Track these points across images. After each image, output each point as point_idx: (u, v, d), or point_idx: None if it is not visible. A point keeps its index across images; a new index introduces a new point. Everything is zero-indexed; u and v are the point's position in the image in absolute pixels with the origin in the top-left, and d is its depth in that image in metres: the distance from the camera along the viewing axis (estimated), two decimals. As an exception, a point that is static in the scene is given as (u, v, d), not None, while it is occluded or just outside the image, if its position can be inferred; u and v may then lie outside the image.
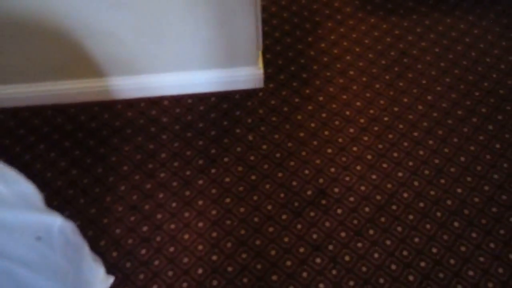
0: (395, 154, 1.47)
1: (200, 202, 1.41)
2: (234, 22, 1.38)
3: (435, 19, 1.78)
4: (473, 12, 1.79)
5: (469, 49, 1.70)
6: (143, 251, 1.32)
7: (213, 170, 1.47)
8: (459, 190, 1.40)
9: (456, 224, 1.33)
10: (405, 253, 1.29)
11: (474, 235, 1.32)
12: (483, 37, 1.72)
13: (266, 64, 1.69)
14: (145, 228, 1.37)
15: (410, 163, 1.45)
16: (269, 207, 1.39)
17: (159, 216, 1.39)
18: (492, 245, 1.30)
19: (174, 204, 1.41)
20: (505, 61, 1.65)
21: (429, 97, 1.59)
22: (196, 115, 1.59)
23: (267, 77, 1.66)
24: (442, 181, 1.42)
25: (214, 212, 1.39)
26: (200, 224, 1.37)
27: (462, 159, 1.46)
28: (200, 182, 1.44)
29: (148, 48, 1.46)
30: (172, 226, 1.37)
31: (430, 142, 1.49)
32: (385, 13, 1.82)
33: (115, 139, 1.55)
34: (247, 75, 1.57)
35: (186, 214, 1.39)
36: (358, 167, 1.45)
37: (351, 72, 1.66)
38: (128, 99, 1.63)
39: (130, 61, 1.51)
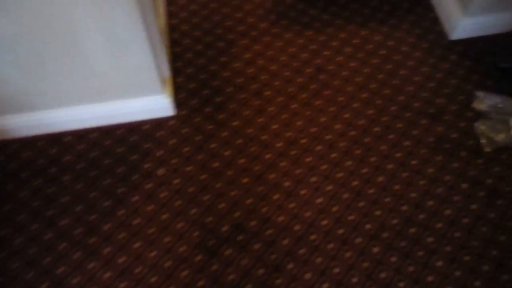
0: (313, 179, 1.42)
1: (107, 249, 1.29)
2: (127, 54, 1.27)
3: (351, 32, 1.75)
4: (387, 23, 1.78)
5: (384, 62, 1.68)
6: (42, 313, 1.19)
7: (120, 212, 1.35)
8: (377, 213, 1.37)
9: (375, 249, 1.30)
10: (325, 286, 1.24)
11: (393, 259, 1.29)
12: (398, 48, 1.71)
13: (178, 89, 1.59)
14: (44, 286, 1.23)
15: (329, 188, 1.41)
16: (182, 249, 1.30)
17: (60, 270, 1.26)
18: (411, 268, 1.28)
19: (77, 255, 1.28)
20: (419, 73, 1.64)
21: (346, 115, 1.55)
22: (101, 151, 1.46)
23: (179, 103, 1.56)
24: (361, 204, 1.38)
25: (122, 259, 1.28)
26: (107, 275, 1.25)
27: (380, 179, 1.43)
28: (107, 226, 1.33)
29: (37, 85, 1.31)
30: (75, 280, 1.24)
31: (348, 163, 1.46)
32: (301, 27, 1.76)
33: (9, 184, 1.40)
34: (153, 104, 1.46)
35: (91, 265, 1.27)
36: (276, 196, 1.39)
37: (267, 93, 1.60)
38: (24, 138, 1.48)
39: (20, 99, 1.36)
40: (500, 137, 1.48)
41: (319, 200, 1.38)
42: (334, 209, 1.37)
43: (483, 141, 1.49)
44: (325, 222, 1.35)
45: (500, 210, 1.38)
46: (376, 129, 1.53)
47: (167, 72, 1.45)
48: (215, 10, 1.80)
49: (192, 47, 1.70)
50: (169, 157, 1.45)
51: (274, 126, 1.52)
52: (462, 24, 1.67)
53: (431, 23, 1.78)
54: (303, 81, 1.63)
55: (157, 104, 1.46)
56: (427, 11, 1.81)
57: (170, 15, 1.77)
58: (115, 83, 1.35)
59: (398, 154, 1.47)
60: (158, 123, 1.52)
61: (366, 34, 1.74)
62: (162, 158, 1.45)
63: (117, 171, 1.42)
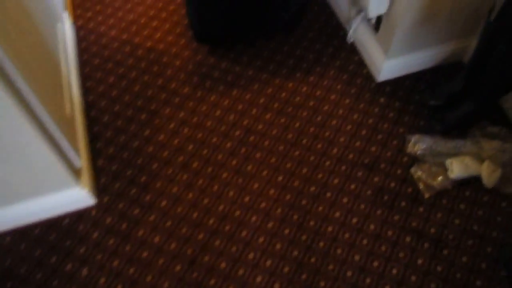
0: (251, 256, 1.33)
1: None
2: (25, 157, 1.15)
3: (277, 85, 1.70)
4: (313, 72, 1.74)
5: (314, 113, 1.63)
6: None
7: (41, 327, 1.22)
8: (322, 284, 1.28)
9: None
10: None
11: (343, 335, 1.20)
12: (326, 98, 1.67)
13: (99, 172, 1.48)
14: None
15: (268, 263, 1.31)
16: None
17: None
18: None
19: None
20: (350, 122, 1.60)
21: (279, 178, 1.48)
22: (16, 257, 1.33)
23: (101, 188, 1.45)
24: (304, 276, 1.29)
25: None
26: None
27: (321, 244, 1.35)
28: None
29: None
30: None
31: (286, 231, 1.37)
32: (225, 87, 1.70)
33: None
34: (69, 198, 1.35)
35: None
36: (212, 281, 1.29)
37: (195, 164, 1.51)
38: None
39: None
40: (438, 181, 1.44)
41: (258, 279, 1.29)
42: (276, 287, 1.28)
43: (421, 187, 1.45)
44: (267, 303, 1.25)
45: (447, 261, 1.32)
46: (312, 188, 1.46)
47: (78, 162, 1.34)
48: (135, 79, 1.72)
49: (112, 124, 1.60)
50: (92, 253, 1.33)
51: (205, 201, 1.43)
52: (386, 66, 1.64)
53: (357, 66, 1.75)
54: (232, 146, 1.55)
55: (73, 197, 1.35)
56: (352, 55, 1.78)
57: (87, 91, 1.68)
58: (23, 185, 1.23)
59: (337, 214, 1.40)
60: (78, 216, 1.40)
61: (293, 86, 1.70)
62: (85, 255, 1.33)
63: (36, 278, 1.29)
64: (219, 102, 1.66)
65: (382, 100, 1.65)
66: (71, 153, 1.28)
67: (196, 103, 1.66)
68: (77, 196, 1.35)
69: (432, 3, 1.42)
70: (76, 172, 1.33)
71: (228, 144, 1.55)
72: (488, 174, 1.44)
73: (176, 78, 1.72)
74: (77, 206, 1.39)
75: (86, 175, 1.39)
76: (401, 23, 1.47)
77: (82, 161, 1.40)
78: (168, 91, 1.69)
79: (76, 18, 1.91)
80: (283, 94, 1.68)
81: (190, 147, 1.55)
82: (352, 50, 1.79)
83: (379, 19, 1.59)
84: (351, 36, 1.79)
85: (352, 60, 1.77)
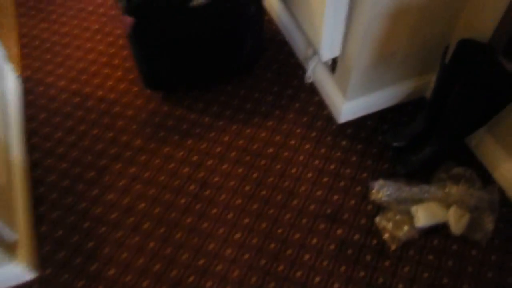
0: (206, 327, 1.23)
1: None
2: None
3: (235, 132, 1.62)
4: (272, 116, 1.66)
5: (273, 161, 1.55)
6: None
7: None
8: None
9: None
10: None
11: None
12: (286, 143, 1.59)
13: (42, 241, 1.37)
14: None
15: (225, 334, 1.22)
16: None
17: None
18: None
19: None
20: (311, 168, 1.52)
21: (237, 236, 1.39)
22: None
23: (43, 258, 1.34)
24: None
25: None
26: None
27: (282, 308, 1.26)
28: None
29: None
30: None
31: (245, 296, 1.28)
32: (180, 137, 1.61)
33: None
34: (3, 275, 1.24)
35: None
36: None
37: (146, 225, 1.41)
38: None
39: None
40: (404, 231, 1.36)
41: None
42: None
43: (387, 238, 1.36)
44: None
45: (417, 321, 1.23)
46: (271, 245, 1.36)
47: (13, 236, 1.23)
48: (84, 133, 1.62)
49: (58, 184, 1.50)
50: (31, 336, 1.22)
51: (156, 267, 1.33)
52: (346, 108, 1.58)
53: (317, 108, 1.68)
54: (186, 202, 1.46)
55: (7, 275, 1.24)
56: (312, 95, 1.71)
57: (32, 149, 1.58)
58: None
59: (298, 273, 1.31)
60: (17, 292, 1.29)
61: (251, 133, 1.62)
62: (23, 338, 1.21)
63: None
64: (173, 154, 1.57)
65: (343, 143, 1.58)
66: (3, 228, 1.17)
67: (148, 157, 1.56)
68: (12, 273, 1.24)
69: (386, 45, 1.37)
70: (10, 247, 1.22)
71: (182, 200, 1.46)
72: (456, 220, 1.36)
73: (127, 130, 1.63)
74: (13, 283, 1.28)
75: (23, 248, 1.28)
76: (356, 65, 1.41)
77: (19, 232, 1.29)
78: (119, 144, 1.60)
79: (23, 68, 1.82)
80: (241, 142, 1.60)
81: (142, 205, 1.45)
82: (312, 91, 1.73)
83: (334, 60, 1.53)
84: (309, 76, 1.73)
85: (312, 101, 1.70)
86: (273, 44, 1.89)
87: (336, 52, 1.44)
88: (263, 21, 1.68)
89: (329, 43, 1.38)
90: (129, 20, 1.34)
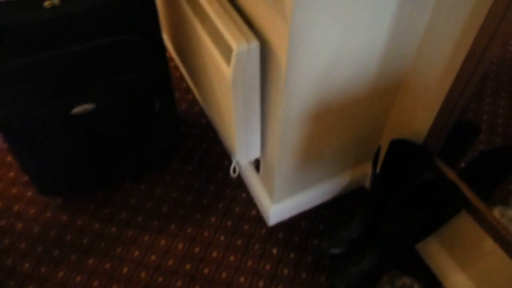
0: None
1: None
2: None
3: (146, 245, 1.36)
4: (191, 220, 1.41)
5: (191, 282, 1.30)
6: None
7: None
8: None
9: None
10: None
11: None
12: (206, 256, 1.34)
13: None
14: None
15: None
16: None
17: None
18: None
19: None
20: (237, 287, 1.29)
21: None
22: None
23: None
24: None
25: None
26: None
27: None
28: None
29: None
30: None
31: None
32: (79, 256, 1.33)
33: None
34: None
35: None
36: None
37: None
38: None
39: None
40: None
41: None
42: None
43: None
44: None
45: None
46: None
47: None
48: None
49: None
50: None
51: None
52: (274, 210, 1.36)
53: (245, 207, 1.45)
54: None
55: None
56: (239, 191, 1.49)
57: None
58: None
59: None
60: None
61: (166, 245, 1.37)
62: None
63: None
64: (68, 280, 1.29)
65: (274, 251, 1.36)
66: None
67: (37, 285, 1.28)
68: None
69: (310, 147, 1.18)
70: None
71: None
72: None
73: (14, 251, 1.35)
74: None
75: None
76: (279, 169, 1.21)
77: None
78: (2, 271, 1.31)
79: None
80: (153, 257, 1.34)
81: None
82: (239, 185, 1.52)
83: (257, 159, 1.34)
84: (235, 168, 1.52)
85: (238, 199, 1.48)
86: (196, 129, 1.68)
87: (255, 155, 1.23)
88: (174, 114, 1.46)
89: (244, 148, 1.18)
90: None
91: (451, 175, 1.07)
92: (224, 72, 0.96)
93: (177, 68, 1.92)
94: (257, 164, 1.36)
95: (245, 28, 0.92)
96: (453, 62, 0.97)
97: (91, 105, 1.09)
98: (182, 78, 1.88)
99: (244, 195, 1.49)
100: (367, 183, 1.49)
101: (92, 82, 1.08)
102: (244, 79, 0.96)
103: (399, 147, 1.14)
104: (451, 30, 0.94)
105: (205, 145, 1.63)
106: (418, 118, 1.14)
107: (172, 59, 1.96)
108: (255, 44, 0.90)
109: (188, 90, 1.82)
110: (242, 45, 0.89)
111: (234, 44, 0.89)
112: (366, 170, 1.45)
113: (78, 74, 1.06)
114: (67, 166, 1.29)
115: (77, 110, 1.09)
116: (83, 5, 1.03)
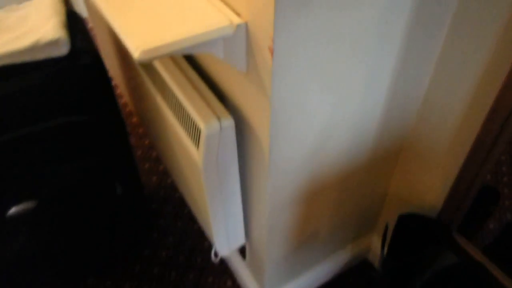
0: None
1: None
2: None
3: None
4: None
5: None
6: None
7: None
8: None
9: None
10: None
11: None
12: None
13: None
14: None
15: None
16: None
17: None
18: None
19: None
20: None
21: None
22: None
23: None
24: None
25: None
26: None
27: None
28: None
29: None
30: None
31: None
32: None
33: None
34: None
35: None
36: None
37: None
38: None
39: None
40: None
41: None
42: None
43: None
44: None
45: None
46: None
47: None
48: None
49: None
50: None
51: None
52: (267, 302, 1.15)
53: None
54: None
55: None
56: (223, 278, 1.26)
57: None
58: None
59: None
60: None
61: None
62: None
63: None
64: None
65: None
66: None
67: None
68: None
69: (301, 230, 0.99)
70: None
71: None
72: None
73: None
74: None
75: None
76: (268, 257, 1.01)
77: None
78: None
79: None
80: None
81: None
82: (223, 271, 1.30)
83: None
84: (217, 251, 1.31)
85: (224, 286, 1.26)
86: (169, 205, 1.47)
87: (238, 243, 1.03)
88: (141, 194, 1.26)
89: (224, 237, 0.98)
90: None
91: (477, 254, 0.89)
92: (193, 156, 0.78)
93: (146, 135, 1.74)
94: (242, 248, 1.15)
95: (216, 103, 0.75)
96: (471, 118, 0.81)
97: (31, 203, 0.89)
98: (151, 147, 1.69)
99: (229, 283, 1.27)
100: (371, 256, 1.29)
101: (32, 175, 0.88)
102: (218, 163, 0.78)
103: (409, 222, 0.96)
104: (464, 82, 0.79)
105: (180, 224, 1.41)
106: (426, 185, 0.97)
107: (140, 125, 1.78)
108: (228, 122, 0.73)
109: (158, 160, 1.63)
110: (212, 125, 0.72)
111: (202, 124, 0.72)
112: (368, 242, 1.26)
113: (14, 167, 0.86)
114: (18, 271, 1.06)
115: (14, 211, 0.88)
116: (18, 83, 0.85)
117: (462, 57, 0.76)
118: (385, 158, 0.98)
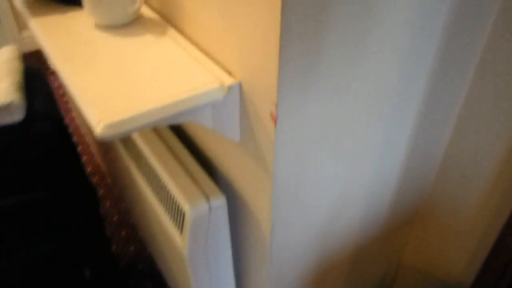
0: None
1: None
2: None
3: None
4: None
5: None
6: None
7: None
8: None
9: None
10: None
11: None
12: None
13: None
14: None
15: None
16: None
17: None
18: None
19: None
20: None
21: None
22: None
23: None
24: None
25: None
26: None
27: None
28: None
29: None
30: None
31: None
32: None
33: None
34: None
35: None
36: None
37: None
38: None
39: None
40: None
41: None
42: None
43: None
44: None
45: None
46: None
47: None
48: None
49: None
50: None
51: None
52: None
53: None
54: None
55: None
56: None
57: None
58: None
59: None
60: None
61: None
62: None
63: None
64: None
65: None
66: None
67: None
68: None
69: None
70: None
71: None
72: None
73: None
74: None
75: None
76: None
77: None
78: None
79: None
80: None
81: None
82: None
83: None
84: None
85: None
86: (149, 281, 1.30)
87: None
88: (114, 274, 1.09)
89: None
90: None
91: None
92: (176, 242, 0.63)
93: (123, 197, 1.58)
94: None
95: (205, 179, 0.62)
96: (504, 173, 0.69)
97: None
98: (129, 211, 1.52)
99: None
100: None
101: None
102: (206, 249, 0.63)
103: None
104: (492, 132, 0.68)
105: (151, 285, 1.23)
106: (446, 255, 0.84)
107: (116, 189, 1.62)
108: (219, 202, 0.59)
109: (137, 226, 1.46)
110: (198, 206, 0.58)
111: (186, 206, 0.58)
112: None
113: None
114: None
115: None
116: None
117: (491, 103, 0.65)
118: (401, 224, 0.85)
